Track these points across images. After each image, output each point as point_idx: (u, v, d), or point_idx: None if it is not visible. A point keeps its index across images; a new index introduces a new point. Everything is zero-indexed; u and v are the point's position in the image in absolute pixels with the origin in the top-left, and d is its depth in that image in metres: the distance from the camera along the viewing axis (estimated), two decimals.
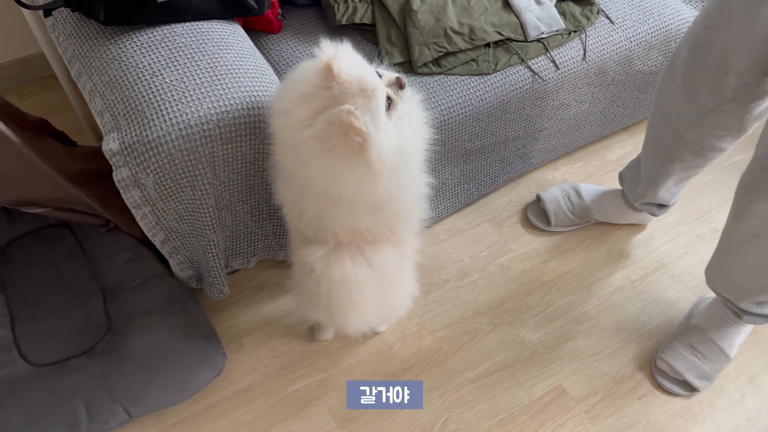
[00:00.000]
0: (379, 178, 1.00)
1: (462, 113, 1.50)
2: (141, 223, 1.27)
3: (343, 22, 1.51)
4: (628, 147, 1.98)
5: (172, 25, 1.29)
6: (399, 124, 1.03)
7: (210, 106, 1.19)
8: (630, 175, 1.65)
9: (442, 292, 1.64)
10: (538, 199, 1.80)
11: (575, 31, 1.62)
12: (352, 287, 1.17)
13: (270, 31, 1.55)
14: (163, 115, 1.17)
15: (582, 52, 1.62)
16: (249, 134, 1.24)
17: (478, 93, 1.51)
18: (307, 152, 1.00)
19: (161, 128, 1.16)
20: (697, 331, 1.53)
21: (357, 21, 1.52)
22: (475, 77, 1.52)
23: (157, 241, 1.34)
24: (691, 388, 1.50)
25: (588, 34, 1.63)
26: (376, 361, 1.51)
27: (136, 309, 1.42)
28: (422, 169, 1.17)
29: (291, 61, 1.51)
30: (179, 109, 1.18)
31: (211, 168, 1.24)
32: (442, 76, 1.50)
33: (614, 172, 1.91)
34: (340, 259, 1.15)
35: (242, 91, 1.23)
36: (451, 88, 1.50)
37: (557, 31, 1.60)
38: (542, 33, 1.58)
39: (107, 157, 1.18)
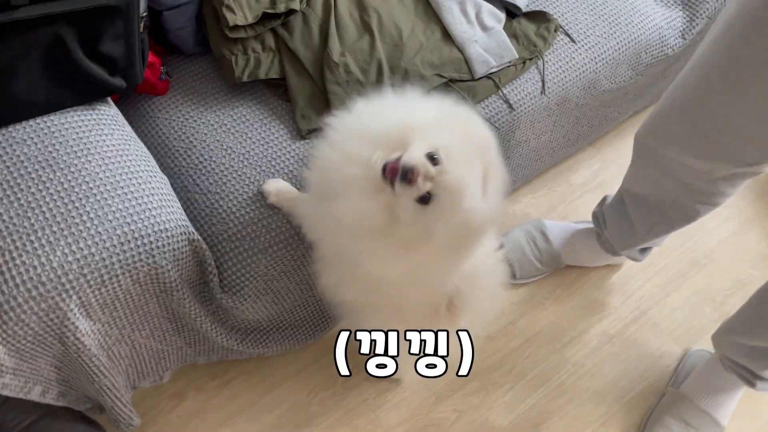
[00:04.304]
0: None
1: None
2: (3, 392, 0.99)
3: (245, 78, 1.20)
4: (595, 165, 1.74)
5: (11, 128, 0.98)
6: None
7: (67, 250, 0.90)
8: (614, 220, 1.37)
9: (395, 376, 1.41)
10: (500, 246, 1.56)
11: (530, 59, 1.34)
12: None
13: (155, 93, 1.23)
14: (3, 274, 0.88)
15: (540, 84, 1.35)
16: (132, 271, 0.96)
17: None
18: None
19: (4, 291, 0.87)
20: (688, 401, 1.34)
21: (262, 77, 1.21)
22: None
23: (34, 396, 1.06)
24: None
25: (546, 59, 1.36)
26: None
27: None
28: None
29: (185, 129, 1.21)
30: (25, 262, 0.89)
31: (84, 316, 0.97)
32: None
33: (582, 198, 1.67)
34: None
35: (111, 221, 0.94)
36: None
37: (509, 62, 1.31)
38: (492, 68, 1.30)
39: None
